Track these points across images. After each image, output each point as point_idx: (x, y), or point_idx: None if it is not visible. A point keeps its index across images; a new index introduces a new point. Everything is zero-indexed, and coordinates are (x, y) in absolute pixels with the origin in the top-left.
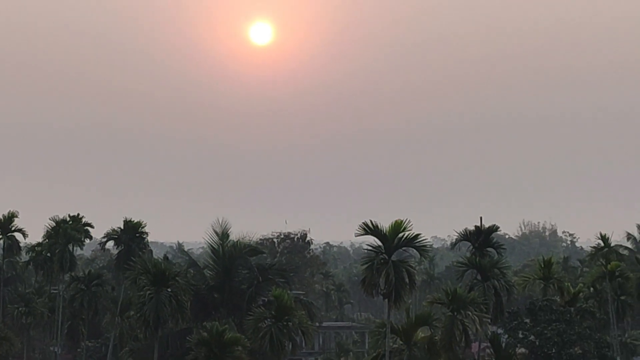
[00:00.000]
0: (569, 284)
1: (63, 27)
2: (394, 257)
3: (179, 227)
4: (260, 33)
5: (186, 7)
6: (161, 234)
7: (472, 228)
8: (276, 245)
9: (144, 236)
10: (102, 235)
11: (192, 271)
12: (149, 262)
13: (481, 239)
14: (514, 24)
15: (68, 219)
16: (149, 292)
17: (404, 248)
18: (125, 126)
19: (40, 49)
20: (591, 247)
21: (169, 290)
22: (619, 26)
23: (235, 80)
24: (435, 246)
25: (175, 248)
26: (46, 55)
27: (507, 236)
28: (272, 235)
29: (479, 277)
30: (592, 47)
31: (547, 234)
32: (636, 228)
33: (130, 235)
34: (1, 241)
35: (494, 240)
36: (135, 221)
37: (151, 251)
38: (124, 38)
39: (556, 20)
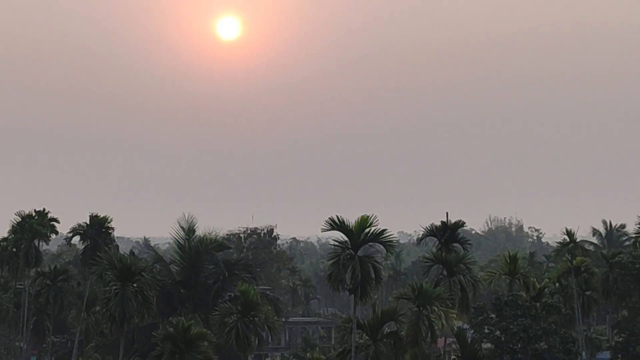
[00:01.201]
0: (535, 280)
1: (26, 26)
2: (360, 253)
3: (146, 222)
4: (228, 28)
5: (151, 2)
6: (127, 229)
7: (438, 223)
8: (243, 240)
9: (110, 231)
10: (68, 231)
11: (158, 266)
12: (115, 257)
13: (447, 234)
14: (465, 24)
15: (34, 214)
16: (114, 287)
17: (370, 243)
18: (91, 122)
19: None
20: (557, 242)
21: (135, 285)
22: (568, 24)
23: (202, 76)
24: (401, 241)
25: (141, 243)
26: (6, 52)
27: (473, 232)
28: (238, 230)
29: (445, 272)
30: (553, 45)
31: (513, 229)
32: (602, 224)
33: (97, 230)
34: None
35: (460, 235)
36: (102, 216)
37: (117, 246)
38: (87, 34)
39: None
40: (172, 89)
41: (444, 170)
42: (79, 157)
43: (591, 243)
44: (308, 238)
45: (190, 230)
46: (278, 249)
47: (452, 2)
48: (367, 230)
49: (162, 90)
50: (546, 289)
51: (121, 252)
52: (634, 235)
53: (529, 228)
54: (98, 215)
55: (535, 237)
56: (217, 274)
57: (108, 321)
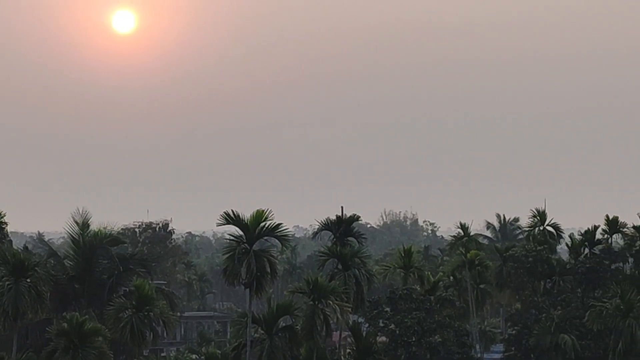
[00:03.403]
0: (429, 273)
1: None
2: (255, 247)
3: (40, 217)
4: (123, 22)
5: None
6: (21, 224)
7: (333, 218)
8: (138, 235)
9: (3, 226)
10: None
11: (52, 261)
12: (8, 252)
13: (342, 228)
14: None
15: None
16: (7, 282)
17: (265, 238)
18: None
19: None
20: (451, 236)
21: (29, 280)
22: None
23: (97, 70)
24: (297, 236)
25: (35, 238)
26: None
27: (368, 225)
28: (133, 225)
29: (340, 266)
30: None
31: (408, 223)
32: (495, 217)
33: None
34: None
35: (355, 229)
36: None
37: (10, 241)
38: None
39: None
40: (67, 83)
41: (338, 164)
42: None
43: (485, 237)
44: (204, 232)
45: (84, 225)
46: (173, 244)
47: None
48: (263, 224)
49: (57, 83)
50: (440, 283)
51: (15, 247)
52: (527, 229)
53: (424, 222)
54: None
55: (430, 231)
56: (111, 268)
57: (1, 317)
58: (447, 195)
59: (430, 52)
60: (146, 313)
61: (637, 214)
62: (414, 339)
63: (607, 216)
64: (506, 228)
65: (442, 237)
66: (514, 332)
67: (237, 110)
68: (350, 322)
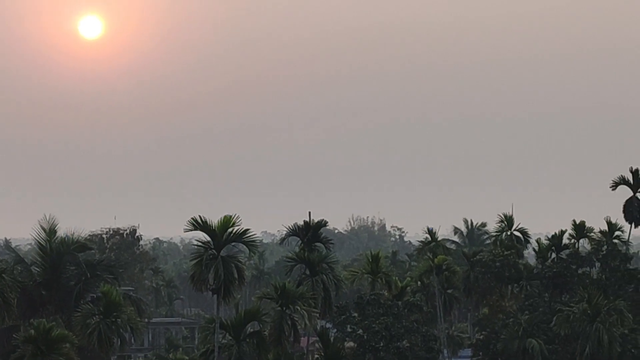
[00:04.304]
0: (397, 278)
1: None
2: (223, 253)
3: (6, 223)
4: (90, 27)
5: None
6: None
7: (301, 223)
8: (105, 241)
9: None
10: None
11: (19, 268)
12: None
13: (310, 234)
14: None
15: None
16: None
17: (233, 243)
18: None
19: None
20: (419, 241)
21: None
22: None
23: (63, 76)
24: (265, 241)
25: (2, 244)
26: None
27: (336, 231)
28: (101, 231)
29: (307, 272)
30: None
31: (375, 228)
32: (463, 222)
33: None
34: None
35: (323, 235)
36: None
37: None
38: None
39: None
40: (33, 88)
41: (306, 169)
42: None
43: (453, 242)
44: (171, 238)
45: (51, 231)
46: (141, 250)
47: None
48: (230, 230)
49: (22, 88)
50: (408, 288)
51: None
52: (494, 234)
53: (392, 227)
54: None
55: (397, 236)
56: (79, 275)
57: None
58: (415, 200)
59: (401, 58)
60: (114, 319)
61: (604, 218)
62: (381, 344)
63: (574, 221)
64: (473, 233)
65: (410, 242)
66: (481, 337)
67: (204, 116)
68: (318, 328)
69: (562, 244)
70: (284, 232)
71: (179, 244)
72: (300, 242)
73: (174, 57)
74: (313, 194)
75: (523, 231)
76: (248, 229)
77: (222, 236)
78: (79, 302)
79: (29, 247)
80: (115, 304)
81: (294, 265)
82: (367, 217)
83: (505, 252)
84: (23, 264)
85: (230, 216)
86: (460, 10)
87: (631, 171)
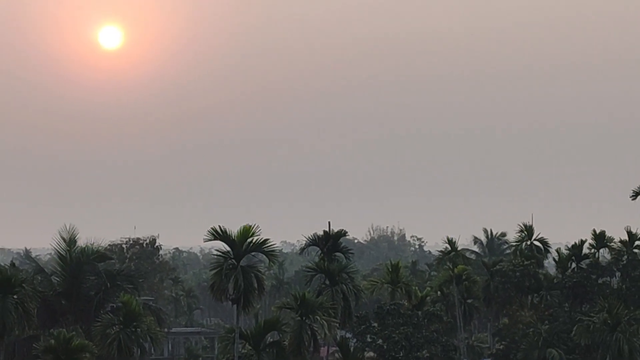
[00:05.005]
0: (417, 288)
1: None
2: (242, 263)
3: (26, 233)
4: (110, 37)
5: (30, 9)
6: (8, 240)
7: (321, 233)
8: (125, 251)
9: None
10: None
11: (39, 278)
12: None
13: (329, 243)
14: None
15: None
16: None
17: (252, 253)
18: None
19: None
20: (439, 251)
21: (15, 297)
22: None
23: (84, 86)
24: (284, 251)
25: (22, 254)
26: None
27: (355, 241)
28: (120, 241)
29: (327, 281)
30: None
31: (395, 238)
32: (482, 232)
33: None
34: None
35: (343, 245)
36: None
37: None
38: None
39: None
40: (53, 98)
41: (326, 179)
42: None
43: (472, 251)
44: (191, 248)
45: (71, 241)
46: (161, 259)
47: (331, 6)
48: (250, 240)
49: (43, 98)
50: (428, 298)
51: (1, 263)
52: (514, 244)
53: (411, 237)
54: None
55: (417, 246)
56: (98, 284)
57: None
58: (435, 210)
59: (418, 67)
60: (133, 329)
61: (624, 228)
62: (401, 354)
63: (594, 231)
64: (493, 243)
65: (430, 252)
66: (501, 347)
67: (224, 125)
68: (338, 338)
69: (582, 254)
70: (304, 242)
71: (199, 254)
72: (320, 252)
73: (193, 66)
74: (333, 204)
75: (543, 241)
76: (268, 239)
77: (242, 246)
78: (98, 311)
79: (49, 256)
80: (135, 314)
81: (314, 275)
82: (387, 227)
83: (525, 262)
84: (43, 274)
85: (250, 226)
86: (484, 18)
87: None
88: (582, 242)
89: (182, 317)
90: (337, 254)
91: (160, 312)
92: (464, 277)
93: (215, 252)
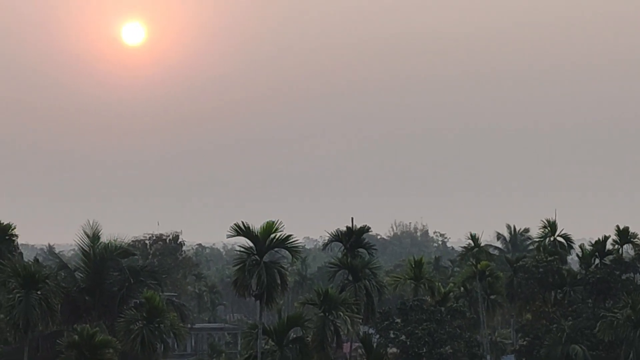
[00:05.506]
0: (440, 284)
1: None
2: (265, 258)
3: (50, 229)
4: (132, 33)
5: (53, 6)
6: (31, 236)
7: (343, 229)
8: (148, 247)
9: (14, 238)
10: None
11: (62, 273)
12: (19, 264)
13: (352, 239)
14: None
15: None
16: (18, 295)
17: (275, 249)
18: None
19: None
20: (462, 247)
21: (39, 292)
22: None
23: (106, 82)
24: (307, 247)
25: (45, 250)
26: None
27: (378, 237)
28: (143, 236)
29: (350, 277)
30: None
31: (418, 234)
32: (506, 228)
33: (0, 237)
34: None
35: (365, 240)
36: (5, 223)
37: (21, 254)
38: None
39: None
40: (76, 94)
41: (349, 175)
42: None
43: (495, 247)
44: (214, 244)
45: (94, 237)
46: (184, 255)
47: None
48: (273, 236)
49: (66, 95)
50: (451, 294)
51: (25, 259)
52: (537, 240)
53: (434, 233)
54: (1, 222)
55: (440, 242)
56: (122, 280)
57: (12, 329)
58: (458, 206)
59: (438, 64)
60: (157, 325)
61: None
62: (424, 350)
63: (618, 226)
64: (516, 239)
65: (453, 248)
66: (524, 342)
67: (247, 121)
68: (361, 334)
69: (606, 250)
70: (327, 238)
71: (222, 250)
72: (342, 247)
73: (216, 63)
74: (355, 200)
75: (566, 237)
76: (291, 235)
77: (265, 242)
78: (122, 307)
79: (73, 252)
80: (158, 310)
81: (337, 270)
82: (410, 222)
83: (549, 258)
84: (67, 270)
85: (273, 222)
86: (508, 14)
87: None
88: (606, 238)
89: (205, 313)
90: (360, 249)
91: (183, 308)
92: (487, 273)
93: (238, 248)
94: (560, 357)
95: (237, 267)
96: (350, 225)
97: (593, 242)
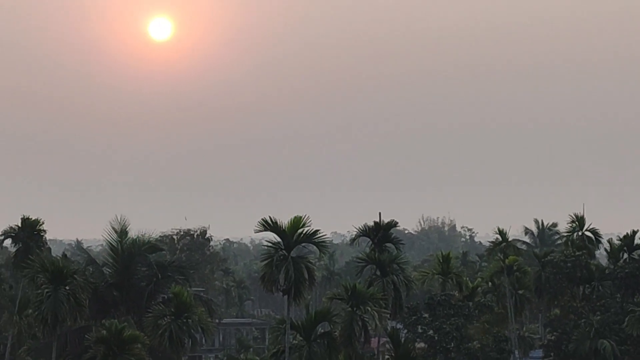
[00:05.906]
0: (468, 279)
1: None
2: (293, 253)
3: (78, 224)
4: (160, 28)
5: (81, 2)
6: (60, 231)
7: (371, 224)
8: (176, 242)
9: (42, 234)
10: (0, 234)
11: (90, 269)
12: (47, 260)
13: (380, 234)
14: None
15: None
16: (47, 290)
17: (303, 244)
18: (22, 123)
19: None
20: (489, 241)
21: (67, 288)
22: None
23: (134, 78)
24: (335, 242)
25: (74, 246)
26: None
27: (406, 231)
28: (171, 232)
29: (378, 272)
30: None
31: (446, 229)
32: (534, 223)
33: (28, 233)
34: None
35: (393, 235)
36: (34, 219)
37: (49, 249)
38: (15, 34)
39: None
40: (104, 90)
41: (376, 170)
42: (11, 158)
43: (523, 242)
44: (241, 239)
45: (122, 232)
46: (211, 251)
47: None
48: (300, 231)
49: (95, 91)
50: (479, 288)
51: (53, 254)
52: (565, 234)
53: (462, 227)
54: (30, 217)
55: (468, 237)
56: (150, 276)
57: (40, 324)
58: (485, 201)
59: (460, 58)
60: (185, 320)
61: None
62: (452, 345)
63: None
64: (544, 233)
65: (480, 242)
66: (553, 337)
67: (274, 116)
68: (389, 329)
69: (634, 244)
70: (354, 233)
71: (249, 245)
72: (370, 242)
73: (243, 58)
74: (383, 195)
75: (594, 231)
76: (318, 230)
77: (293, 237)
78: (150, 303)
79: (101, 248)
80: (186, 305)
81: (365, 265)
82: (438, 217)
83: (577, 253)
84: (95, 265)
85: (301, 217)
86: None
87: None
88: (634, 232)
89: (233, 308)
90: (388, 244)
91: (211, 303)
92: (515, 267)
93: (266, 243)
94: (589, 352)
95: (265, 262)
96: (377, 220)
97: (621, 236)
